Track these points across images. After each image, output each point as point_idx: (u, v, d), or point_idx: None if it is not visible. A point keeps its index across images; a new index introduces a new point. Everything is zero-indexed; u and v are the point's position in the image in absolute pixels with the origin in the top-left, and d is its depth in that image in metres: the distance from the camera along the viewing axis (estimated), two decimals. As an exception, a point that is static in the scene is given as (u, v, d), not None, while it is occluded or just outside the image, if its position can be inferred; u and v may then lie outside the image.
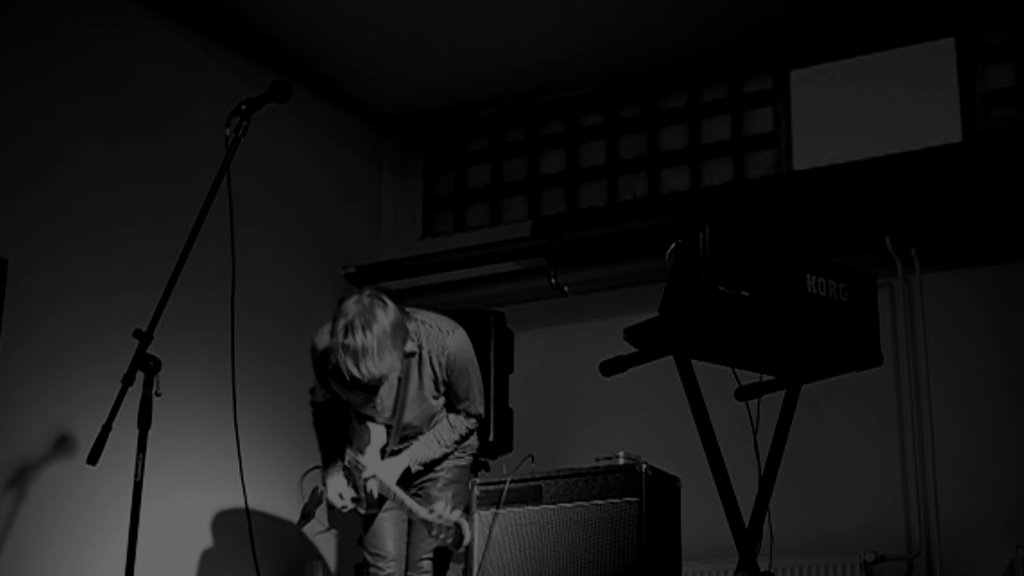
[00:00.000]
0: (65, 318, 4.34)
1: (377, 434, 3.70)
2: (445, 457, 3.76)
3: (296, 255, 5.59)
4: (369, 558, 3.78)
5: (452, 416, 3.73)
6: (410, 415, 3.68)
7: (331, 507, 3.79)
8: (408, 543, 3.76)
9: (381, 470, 3.66)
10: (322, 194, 5.85)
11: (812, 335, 3.38)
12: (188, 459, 4.63)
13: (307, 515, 3.93)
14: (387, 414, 3.67)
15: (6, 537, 3.99)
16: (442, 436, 3.73)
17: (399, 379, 3.58)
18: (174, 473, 4.49)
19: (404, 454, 3.70)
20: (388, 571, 3.74)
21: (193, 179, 3.90)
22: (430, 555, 3.72)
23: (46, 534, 4.12)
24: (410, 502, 3.58)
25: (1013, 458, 4.71)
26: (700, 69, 5.70)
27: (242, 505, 3.47)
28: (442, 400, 3.72)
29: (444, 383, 3.66)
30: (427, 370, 3.64)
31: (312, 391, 3.83)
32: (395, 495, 3.61)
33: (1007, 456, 4.72)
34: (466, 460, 3.86)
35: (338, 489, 3.72)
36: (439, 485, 3.73)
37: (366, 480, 3.66)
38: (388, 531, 3.76)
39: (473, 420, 3.77)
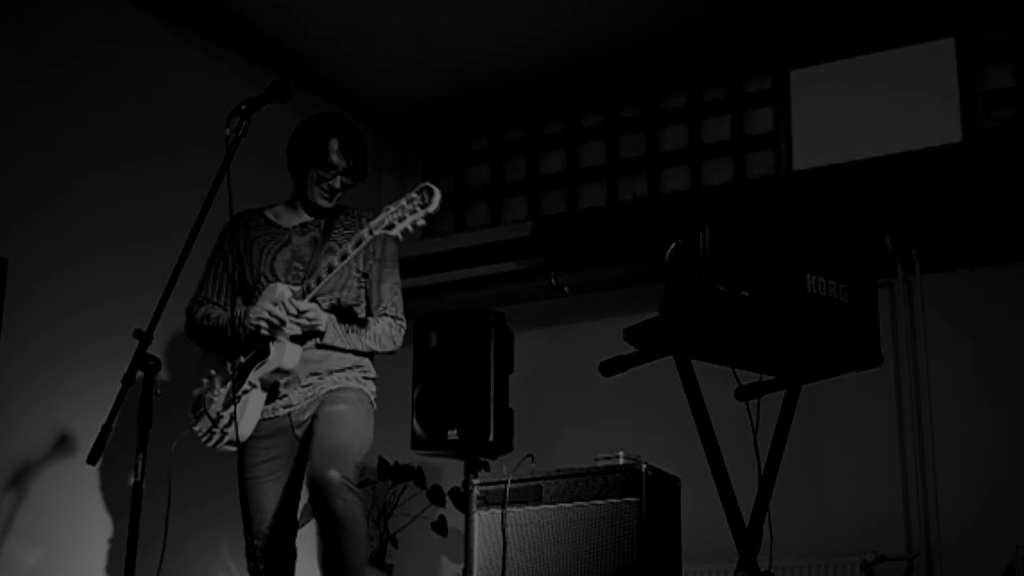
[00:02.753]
0: (65, 318, 4.34)
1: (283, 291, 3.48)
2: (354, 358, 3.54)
3: (296, 255, 5.59)
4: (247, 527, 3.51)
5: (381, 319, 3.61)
6: (330, 284, 3.48)
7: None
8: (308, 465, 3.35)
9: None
10: (322, 194, 5.84)
11: (812, 335, 3.38)
12: (187, 459, 4.63)
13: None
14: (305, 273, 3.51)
15: (6, 537, 3.99)
16: (365, 327, 3.57)
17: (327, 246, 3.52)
18: (173, 473, 4.48)
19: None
20: (267, 524, 3.46)
21: (193, 178, 3.89)
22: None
23: (46, 533, 4.12)
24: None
25: (1013, 458, 4.71)
26: (700, 69, 5.70)
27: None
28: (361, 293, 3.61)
29: (365, 274, 3.60)
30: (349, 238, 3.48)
31: (191, 307, 3.65)
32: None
33: (1007, 456, 4.72)
34: (364, 383, 3.58)
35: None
36: (332, 402, 3.45)
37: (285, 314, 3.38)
38: (268, 494, 3.48)
39: (400, 324, 3.63)
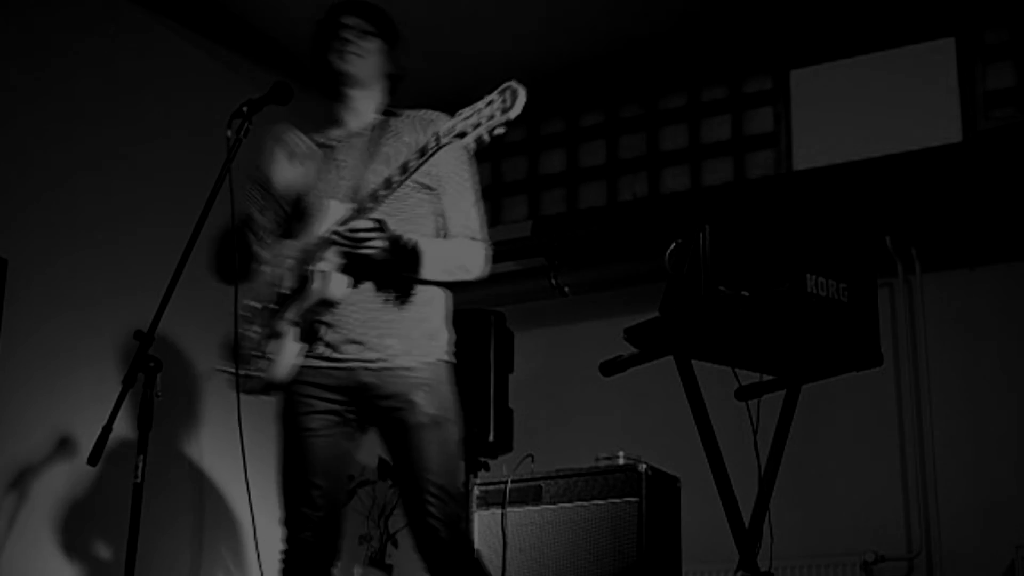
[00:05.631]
0: (65, 318, 4.34)
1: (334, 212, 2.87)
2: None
3: (296, 255, 5.59)
4: (285, 503, 2.85)
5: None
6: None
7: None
8: (402, 462, 2.84)
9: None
10: (322, 194, 5.85)
11: (812, 335, 3.38)
12: (188, 460, 4.64)
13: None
14: (347, 182, 2.92)
15: (6, 538, 3.99)
16: (444, 244, 2.96)
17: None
18: (174, 474, 4.49)
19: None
20: (318, 514, 2.80)
21: (194, 180, 3.90)
22: (443, 482, 2.78)
23: (46, 535, 4.13)
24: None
25: (1013, 458, 4.71)
26: (700, 69, 5.70)
27: (244, 505, 3.47)
28: (421, 201, 2.95)
29: (429, 187, 2.95)
30: (408, 144, 2.92)
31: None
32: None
33: (1007, 456, 4.73)
34: (445, 354, 2.95)
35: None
36: (412, 386, 2.83)
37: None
38: (318, 460, 2.82)
39: (481, 245, 3.01)
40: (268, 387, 2.87)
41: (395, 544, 5.34)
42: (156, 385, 3.03)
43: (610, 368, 3.62)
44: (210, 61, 5.21)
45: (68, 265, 4.40)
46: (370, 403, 2.84)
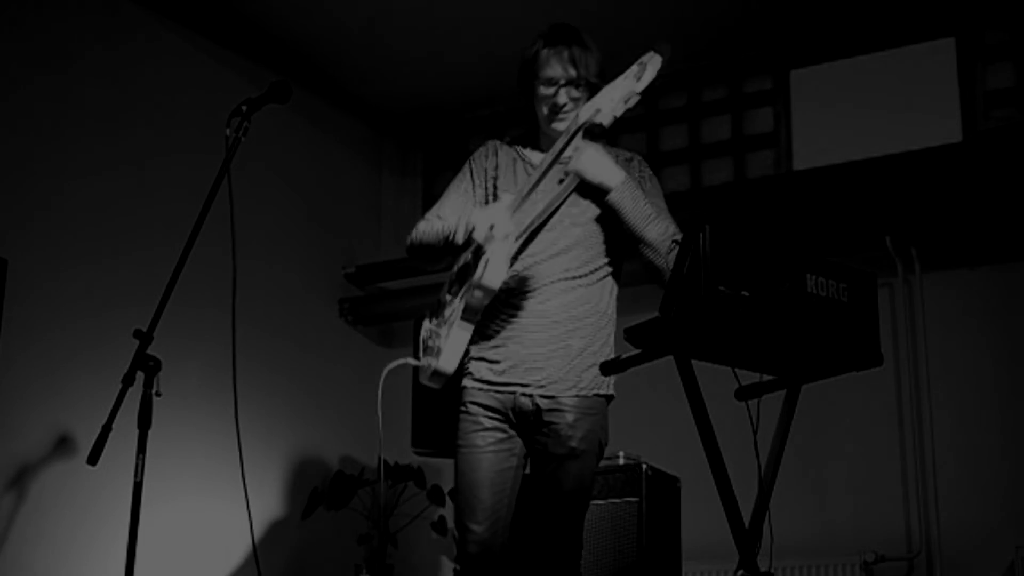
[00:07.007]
0: (65, 318, 4.34)
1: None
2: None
3: (296, 255, 5.60)
4: (456, 516, 2.92)
5: None
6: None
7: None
8: (536, 487, 2.91)
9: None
10: (322, 194, 5.86)
11: (812, 335, 3.37)
12: (188, 459, 4.64)
13: None
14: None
15: (6, 538, 3.99)
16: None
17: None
18: (174, 474, 4.49)
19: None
20: (478, 535, 2.84)
21: (193, 179, 3.90)
22: (566, 515, 2.89)
23: (46, 534, 4.13)
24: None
25: (1013, 458, 4.71)
26: (700, 69, 5.70)
27: (243, 505, 3.47)
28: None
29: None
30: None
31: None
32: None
33: (1007, 456, 4.72)
34: (604, 388, 3.04)
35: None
36: (568, 419, 2.91)
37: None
38: (484, 476, 2.87)
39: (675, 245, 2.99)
40: (435, 376, 2.91)
41: (395, 544, 5.34)
42: (155, 384, 3.03)
43: (610, 368, 3.60)
44: (209, 60, 5.21)
45: (68, 265, 4.41)
46: (525, 428, 2.92)
